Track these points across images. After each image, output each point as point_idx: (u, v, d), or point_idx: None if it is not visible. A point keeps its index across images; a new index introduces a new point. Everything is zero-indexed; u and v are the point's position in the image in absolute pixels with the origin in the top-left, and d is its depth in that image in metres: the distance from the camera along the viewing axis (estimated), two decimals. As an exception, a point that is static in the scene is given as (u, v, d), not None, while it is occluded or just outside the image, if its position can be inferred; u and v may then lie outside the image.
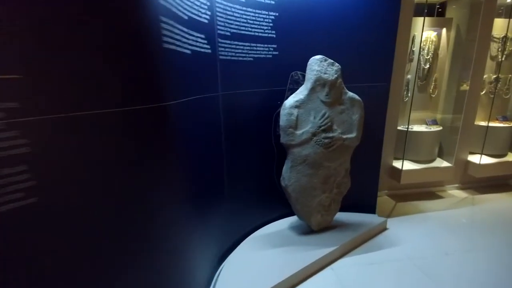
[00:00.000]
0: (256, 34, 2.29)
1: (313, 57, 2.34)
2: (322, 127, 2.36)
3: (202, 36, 1.81)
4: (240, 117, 2.31)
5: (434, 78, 3.50)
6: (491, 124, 3.67)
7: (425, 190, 3.74)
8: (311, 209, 2.54)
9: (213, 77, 1.98)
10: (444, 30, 3.44)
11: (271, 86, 2.47)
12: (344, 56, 2.58)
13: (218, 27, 1.97)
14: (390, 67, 2.66)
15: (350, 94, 2.45)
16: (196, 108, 1.76)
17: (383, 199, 3.58)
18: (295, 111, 2.32)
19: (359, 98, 2.45)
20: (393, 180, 3.54)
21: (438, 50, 3.45)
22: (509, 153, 3.83)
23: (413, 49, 3.36)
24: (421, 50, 3.38)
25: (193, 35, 1.71)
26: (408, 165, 3.49)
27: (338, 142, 2.41)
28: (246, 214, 2.56)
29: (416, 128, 3.54)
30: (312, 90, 2.34)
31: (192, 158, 1.75)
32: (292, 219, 2.83)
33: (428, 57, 3.40)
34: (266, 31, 2.34)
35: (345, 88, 2.43)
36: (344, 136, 2.43)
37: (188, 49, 1.65)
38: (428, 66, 3.44)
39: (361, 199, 3.01)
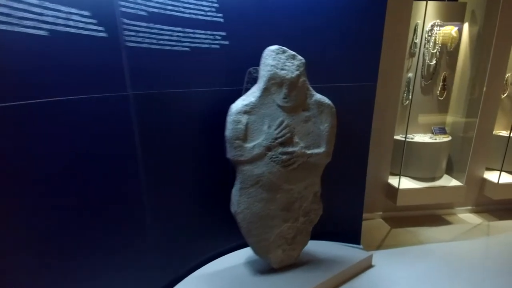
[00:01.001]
0: (193, 16, 1.73)
1: (267, 48, 1.75)
2: (279, 140, 1.77)
3: (86, 13, 1.28)
4: (172, 125, 1.76)
5: (442, 77, 2.80)
6: (515, 134, 2.94)
7: (429, 213, 3.04)
8: (268, 243, 1.95)
9: (112, 70, 1.44)
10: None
11: (220, 85, 1.90)
12: (318, 48, 1.98)
13: (122, 3, 1.43)
14: (377, 63, 2.02)
15: (318, 96, 1.84)
16: (64, 112, 1.25)
17: (376, 223, 2.92)
18: (244, 118, 1.74)
19: (329, 102, 1.83)
20: (389, 200, 2.89)
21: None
22: None
23: (416, 41, 2.68)
24: (426, 42, 2.70)
25: (60, 11, 1.19)
26: (407, 183, 2.82)
27: (300, 159, 1.81)
28: (184, 246, 2.00)
29: (419, 138, 2.86)
30: (265, 91, 1.75)
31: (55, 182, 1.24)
32: (251, 251, 2.24)
33: (435, 51, 2.71)
34: (208, 13, 1.78)
35: (311, 89, 1.82)
36: (309, 152, 1.83)
37: (44, 29, 1.13)
38: (434, 62, 2.74)
39: (343, 225, 2.38)
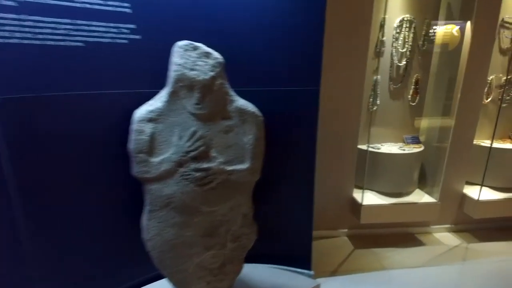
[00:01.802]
0: (88, 6, 1.42)
1: (176, 44, 1.43)
2: (192, 153, 1.43)
3: None
4: (59, 135, 1.41)
5: (414, 80, 2.43)
6: (499, 144, 2.55)
7: (401, 232, 2.66)
8: (186, 274, 1.61)
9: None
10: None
11: (130, 86, 1.59)
12: (248, 47, 1.64)
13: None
14: (318, 65, 1.68)
15: (241, 103, 1.50)
16: None
17: (339, 242, 2.56)
18: (148, 127, 1.41)
19: (253, 109, 1.49)
20: (355, 217, 2.53)
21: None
22: None
23: (383, 39, 2.32)
24: (394, 40, 2.34)
25: None
26: (372, 199, 2.45)
27: (219, 177, 1.48)
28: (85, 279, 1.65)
29: (386, 148, 2.50)
30: (173, 95, 1.42)
31: None
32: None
33: (404, 50, 2.34)
34: (109, 2, 1.47)
35: (233, 93, 1.49)
36: (230, 168, 1.48)
37: None
38: (404, 63, 2.38)
39: (291, 247, 2.04)
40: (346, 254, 2.39)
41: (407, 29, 2.27)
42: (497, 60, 2.44)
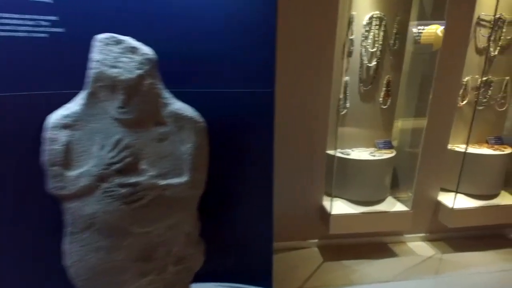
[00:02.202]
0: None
1: (95, 37, 1.20)
2: (116, 166, 1.20)
3: None
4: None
5: (386, 81, 2.26)
6: (475, 149, 2.40)
7: (374, 241, 2.47)
8: (117, 304, 1.40)
9: None
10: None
11: (49, 87, 1.34)
12: (192, 42, 1.42)
13: None
14: (272, 64, 1.46)
15: (177, 106, 1.28)
16: None
17: (308, 254, 2.36)
18: (63, 135, 1.17)
19: (192, 114, 1.27)
20: (325, 226, 2.34)
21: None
22: (503, 192, 2.52)
23: (352, 38, 2.14)
24: (363, 39, 2.15)
25: None
26: (342, 208, 2.26)
27: (151, 193, 1.25)
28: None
29: (356, 153, 2.32)
30: (92, 97, 1.19)
31: None
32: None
33: (374, 49, 2.16)
34: (18, -12, 1.23)
35: (167, 95, 1.26)
36: (164, 182, 1.25)
37: None
38: (374, 63, 2.20)
39: (249, 263, 1.83)
40: (314, 267, 2.19)
41: (377, 27, 2.08)
42: (474, 61, 2.28)
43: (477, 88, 2.33)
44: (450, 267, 2.22)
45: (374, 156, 2.22)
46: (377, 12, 2.06)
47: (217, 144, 1.51)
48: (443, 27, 2.15)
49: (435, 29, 2.17)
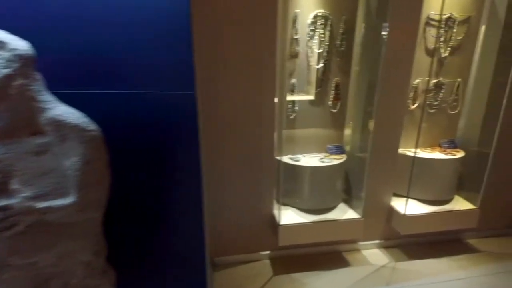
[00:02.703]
0: None
1: None
2: (-22, 187, 1.00)
3: None
4: None
5: (334, 84, 2.12)
6: (427, 154, 2.27)
7: (327, 250, 2.31)
8: None
9: None
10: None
11: None
12: (92, 35, 1.22)
13: None
14: (190, 65, 1.29)
15: (60, 111, 1.05)
16: None
17: (258, 267, 2.17)
18: None
19: (79, 120, 1.05)
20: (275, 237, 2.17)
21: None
22: (457, 197, 2.43)
23: (297, 37, 1.98)
24: (308, 39, 2.00)
25: None
26: (292, 217, 2.10)
27: (27, 218, 1.05)
28: None
29: (306, 160, 2.16)
30: None
31: None
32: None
33: (321, 50, 2.01)
34: None
35: (46, 98, 1.04)
36: (43, 205, 1.03)
37: None
38: (322, 65, 2.05)
39: (180, 284, 1.64)
40: (262, 282, 2.02)
41: (322, 26, 1.94)
42: (424, 62, 2.15)
43: (428, 91, 2.23)
44: (403, 276, 2.09)
45: (323, 162, 2.08)
46: (322, 10, 1.91)
47: (130, 154, 1.32)
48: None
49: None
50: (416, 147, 2.07)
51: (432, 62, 2.08)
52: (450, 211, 2.20)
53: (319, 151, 2.26)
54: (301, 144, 2.22)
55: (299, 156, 2.20)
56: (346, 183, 2.25)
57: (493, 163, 2.16)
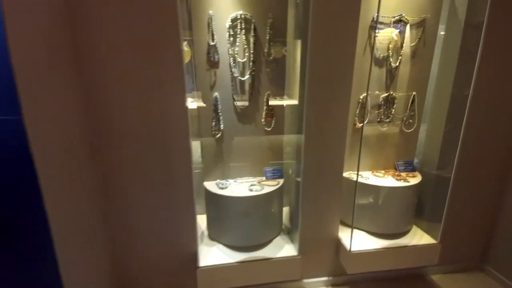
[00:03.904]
0: None
1: None
2: None
3: None
4: None
5: (265, 98, 1.76)
6: (376, 179, 1.87)
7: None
8: None
9: None
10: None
11: None
12: None
13: None
14: (12, 84, 0.92)
15: None
16: None
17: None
18: None
19: None
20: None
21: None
22: (415, 228, 2.00)
23: (214, 44, 1.61)
24: (229, 46, 1.64)
25: None
26: (217, 256, 1.71)
27: None
28: None
29: (235, 186, 1.79)
30: None
31: None
32: None
33: (245, 60, 1.66)
34: None
35: None
36: None
37: None
38: (248, 76, 1.70)
39: None
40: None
41: (244, 31, 1.59)
42: (372, 74, 1.78)
43: (379, 106, 1.86)
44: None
45: (251, 190, 1.71)
46: (241, 12, 1.55)
47: None
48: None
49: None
50: (358, 170, 1.67)
51: (397, 70, 1.73)
52: (405, 247, 1.81)
53: (256, 175, 1.89)
54: (233, 168, 1.85)
55: (230, 181, 1.84)
56: (282, 212, 1.89)
57: (454, 189, 1.78)
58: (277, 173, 1.86)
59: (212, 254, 1.72)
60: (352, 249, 1.74)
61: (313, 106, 1.55)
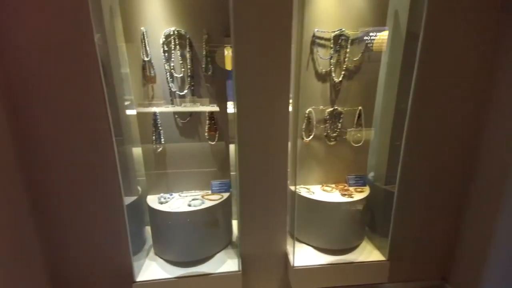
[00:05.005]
0: None
1: None
2: None
3: None
4: None
5: (208, 113, 1.69)
6: (323, 194, 1.78)
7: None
8: None
9: None
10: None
11: None
12: None
13: None
14: None
15: None
16: None
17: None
18: None
19: None
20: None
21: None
22: (365, 244, 1.89)
23: (148, 59, 1.54)
24: (165, 61, 1.56)
25: None
26: (154, 271, 1.65)
27: None
28: None
29: (176, 201, 1.72)
30: None
31: None
32: None
33: (182, 75, 1.57)
34: None
35: None
36: None
37: None
38: (186, 91, 1.62)
39: None
40: None
41: (178, 46, 1.55)
42: (316, 89, 1.73)
43: (325, 121, 1.79)
44: None
45: (189, 205, 1.65)
46: (175, 28, 1.51)
47: None
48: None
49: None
50: (295, 184, 1.61)
51: (341, 85, 1.67)
52: (351, 263, 1.72)
53: (203, 188, 1.83)
54: (176, 182, 1.79)
55: (174, 195, 1.77)
56: (226, 229, 1.82)
57: (400, 204, 1.68)
58: (224, 187, 1.80)
59: (151, 269, 1.66)
60: (297, 265, 1.67)
61: (246, 116, 1.48)
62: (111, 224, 1.54)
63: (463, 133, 1.65)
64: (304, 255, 1.77)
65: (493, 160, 1.57)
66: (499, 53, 1.50)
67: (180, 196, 1.78)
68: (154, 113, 1.63)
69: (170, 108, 1.63)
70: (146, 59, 1.52)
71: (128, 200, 1.66)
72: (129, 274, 1.60)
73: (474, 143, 1.66)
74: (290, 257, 1.75)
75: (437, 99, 1.58)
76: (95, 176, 1.47)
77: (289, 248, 1.80)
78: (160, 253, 1.74)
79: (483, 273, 1.65)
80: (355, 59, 1.69)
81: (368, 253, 1.80)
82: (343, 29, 1.63)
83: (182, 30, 1.51)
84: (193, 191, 1.82)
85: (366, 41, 1.67)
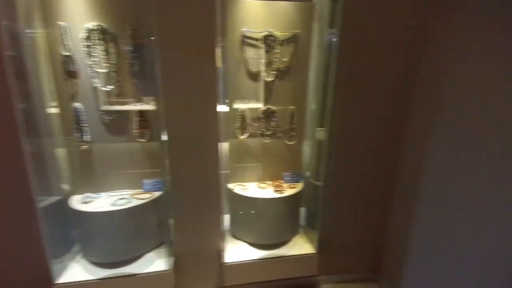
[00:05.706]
0: None
1: None
2: None
3: None
4: None
5: (138, 110, 1.67)
6: (255, 190, 1.81)
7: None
8: None
9: None
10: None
11: None
12: None
13: None
14: None
15: None
16: None
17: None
18: None
19: None
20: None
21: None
22: (297, 238, 1.93)
23: (69, 54, 1.47)
24: (86, 56, 1.48)
25: None
26: (78, 274, 1.58)
27: None
28: None
29: (99, 201, 1.65)
30: None
31: None
32: None
33: (106, 70, 1.51)
34: None
35: None
36: None
37: None
38: (112, 87, 1.56)
39: None
40: None
41: (101, 41, 1.50)
42: (249, 88, 1.75)
43: (259, 119, 1.81)
44: None
45: (115, 205, 1.59)
46: (97, 23, 1.45)
47: None
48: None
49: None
50: (226, 181, 1.61)
51: (274, 85, 1.69)
52: (282, 257, 1.74)
53: (135, 187, 1.76)
54: (107, 180, 1.72)
55: (102, 194, 1.69)
56: (159, 226, 1.78)
57: (325, 198, 1.73)
58: (157, 185, 1.75)
59: (74, 271, 1.57)
60: (228, 261, 1.67)
61: (174, 115, 1.46)
62: (23, 226, 1.42)
63: (386, 131, 1.70)
64: (238, 252, 1.77)
65: (414, 155, 1.66)
66: (422, 53, 1.59)
67: (109, 195, 1.71)
68: (76, 109, 1.55)
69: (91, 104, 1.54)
70: (66, 54, 1.45)
71: (50, 200, 1.57)
72: (46, 277, 1.49)
73: (397, 138, 1.72)
74: (223, 254, 1.75)
75: (356, 97, 1.60)
76: (2, 176, 1.36)
77: (225, 245, 1.81)
78: (85, 255, 1.65)
79: (410, 264, 1.72)
80: (284, 59, 1.74)
81: (299, 247, 1.84)
82: (272, 30, 1.67)
83: (105, 25, 1.46)
84: (125, 190, 1.75)
85: (295, 43, 1.72)
